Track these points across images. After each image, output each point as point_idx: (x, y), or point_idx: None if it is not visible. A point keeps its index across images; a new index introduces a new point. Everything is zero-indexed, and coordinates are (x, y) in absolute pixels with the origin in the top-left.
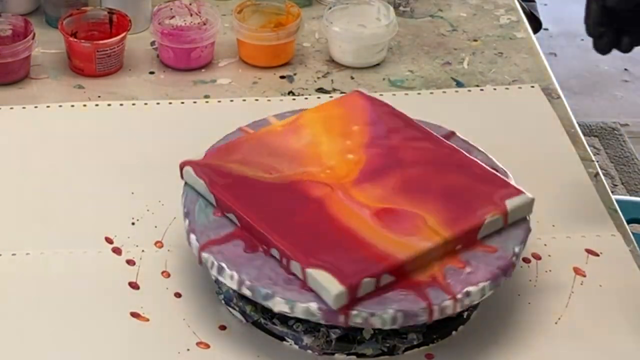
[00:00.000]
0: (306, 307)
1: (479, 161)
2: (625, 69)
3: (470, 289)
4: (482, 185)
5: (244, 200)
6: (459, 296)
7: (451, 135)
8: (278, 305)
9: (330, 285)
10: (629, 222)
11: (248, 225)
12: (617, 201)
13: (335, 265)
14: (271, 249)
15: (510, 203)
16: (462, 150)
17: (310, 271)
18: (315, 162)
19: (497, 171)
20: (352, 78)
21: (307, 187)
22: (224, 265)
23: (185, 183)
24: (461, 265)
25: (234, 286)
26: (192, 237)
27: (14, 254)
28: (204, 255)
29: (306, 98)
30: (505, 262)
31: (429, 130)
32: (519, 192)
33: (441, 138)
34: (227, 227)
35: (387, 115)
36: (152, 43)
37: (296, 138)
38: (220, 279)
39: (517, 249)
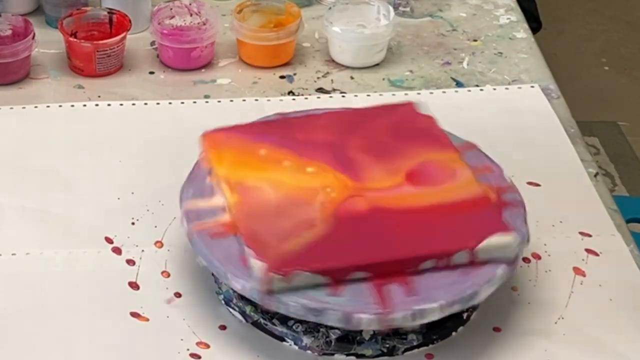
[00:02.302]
0: (501, 274)
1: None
2: (625, 69)
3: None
4: (397, 115)
5: (349, 256)
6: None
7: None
8: (484, 293)
9: (507, 241)
10: (628, 222)
11: (381, 267)
12: (617, 201)
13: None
14: (422, 264)
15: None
16: (342, 109)
17: (481, 246)
18: (309, 193)
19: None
20: (352, 78)
21: (349, 210)
22: (423, 306)
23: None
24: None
25: (439, 315)
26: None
27: (14, 254)
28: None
29: (306, 98)
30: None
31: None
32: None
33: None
34: (365, 290)
35: (257, 129)
36: (152, 43)
37: (260, 192)
38: (425, 320)
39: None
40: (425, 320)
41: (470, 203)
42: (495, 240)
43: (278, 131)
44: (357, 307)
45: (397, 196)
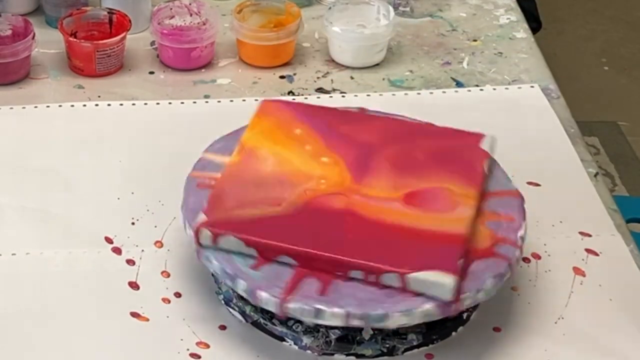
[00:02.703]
0: (424, 310)
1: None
2: (625, 69)
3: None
4: (456, 141)
5: (285, 239)
6: (520, 243)
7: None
8: (396, 320)
9: (442, 280)
10: (628, 222)
11: (310, 259)
12: (617, 201)
13: (431, 261)
14: (350, 271)
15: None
16: (412, 120)
17: (413, 275)
18: (303, 177)
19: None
20: (352, 78)
21: (323, 203)
22: (321, 307)
23: (204, 246)
24: (497, 218)
25: (340, 322)
26: (265, 295)
27: (14, 254)
28: (293, 307)
29: (306, 98)
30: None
31: (365, 113)
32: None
33: (387, 116)
34: (284, 274)
35: (313, 111)
36: (152, 43)
37: (261, 162)
38: (321, 322)
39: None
40: (327, 322)
41: (443, 236)
42: (430, 275)
43: (330, 119)
44: (263, 284)
45: (379, 208)
